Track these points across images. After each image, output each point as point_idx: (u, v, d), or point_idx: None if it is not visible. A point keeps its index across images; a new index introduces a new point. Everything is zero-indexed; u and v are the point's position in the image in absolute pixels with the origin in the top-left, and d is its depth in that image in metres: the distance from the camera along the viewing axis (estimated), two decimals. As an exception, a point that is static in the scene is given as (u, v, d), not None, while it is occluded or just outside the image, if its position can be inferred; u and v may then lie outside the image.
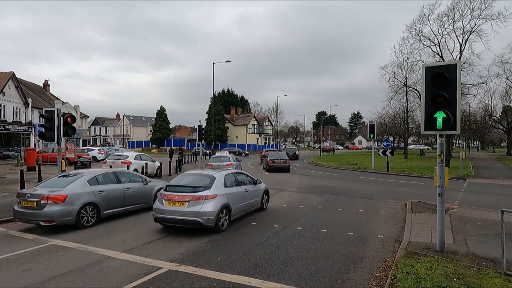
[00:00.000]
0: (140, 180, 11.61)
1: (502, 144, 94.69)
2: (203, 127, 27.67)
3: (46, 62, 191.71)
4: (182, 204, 8.33)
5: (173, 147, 46.10)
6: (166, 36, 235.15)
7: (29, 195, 8.97)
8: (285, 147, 74.70)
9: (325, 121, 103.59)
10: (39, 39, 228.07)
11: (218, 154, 25.86)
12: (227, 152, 29.14)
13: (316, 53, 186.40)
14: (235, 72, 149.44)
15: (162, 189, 9.30)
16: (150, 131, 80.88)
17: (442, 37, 35.55)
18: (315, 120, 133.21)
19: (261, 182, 11.48)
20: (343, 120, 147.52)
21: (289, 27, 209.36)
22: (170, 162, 27.12)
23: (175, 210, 8.35)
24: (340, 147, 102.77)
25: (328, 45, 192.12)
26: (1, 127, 33.25)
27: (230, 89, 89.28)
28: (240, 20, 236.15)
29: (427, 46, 36.93)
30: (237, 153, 45.43)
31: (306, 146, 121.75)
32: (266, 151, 43.69)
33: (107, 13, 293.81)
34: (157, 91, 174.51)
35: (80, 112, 51.47)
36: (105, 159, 27.66)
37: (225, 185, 9.25)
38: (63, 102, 46.75)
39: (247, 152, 57.60)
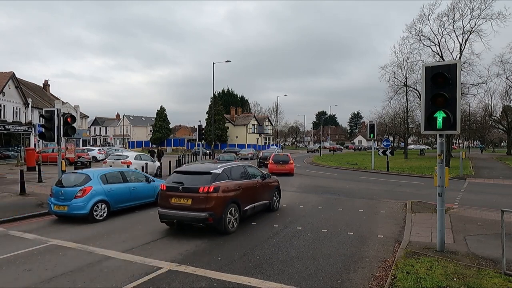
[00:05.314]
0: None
1: (502, 144, 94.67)
2: (203, 127, 27.62)
3: (37, 61, 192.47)
4: None
5: (153, 148, 42.89)
6: (163, 35, 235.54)
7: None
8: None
9: (325, 121, 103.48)
10: (29, 37, 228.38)
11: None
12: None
13: (316, 53, 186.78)
14: (234, 72, 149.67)
15: None
16: (150, 131, 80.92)
17: (442, 37, 35.64)
18: (315, 120, 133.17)
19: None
20: (343, 120, 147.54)
21: (287, 26, 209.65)
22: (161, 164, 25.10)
23: None
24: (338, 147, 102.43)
25: (327, 44, 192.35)
26: (1, 127, 33.25)
27: (230, 89, 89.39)
28: (236, 20, 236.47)
29: (427, 46, 37.00)
30: (238, 153, 45.35)
31: (304, 146, 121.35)
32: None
33: (97, 10, 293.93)
34: (156, 91, 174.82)
35: (80, 112, 51.47)
36: (105, 159, 27.66)
37: None
38: (63, 102, 46.74)
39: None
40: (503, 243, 5.66)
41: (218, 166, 9.23)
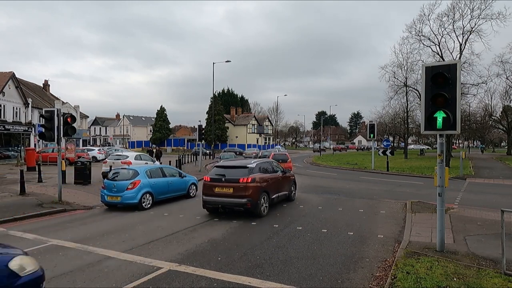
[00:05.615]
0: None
1: (502, 144, 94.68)
2: (203, 127, 27.64)
3: (37, 61, 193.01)
4: None
5: (152, 148, 41.59)
6: (163, 35, 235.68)
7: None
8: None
9: (325, 121, 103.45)
10: (29, 37, 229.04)
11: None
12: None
13: (316, 53, 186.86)
14: (234, 72, 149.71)
15: None
16: (150, 131, 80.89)
17: (442, 37, 35.64)
18: (315, 120, 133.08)
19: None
20: (343, 120, 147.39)
21: (287, 26, 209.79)
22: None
23: None
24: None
25: (327, 44, 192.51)
26: (1, 127, 33.25)
27: (230, 89, 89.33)
28: (236, 20, 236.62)
29: (427, 46, 37.00)
30: (237, 153, 45.41)
31: (304, 146, 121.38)
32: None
33: (97, 10, 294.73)
34: (156, 91, 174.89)
35: (80, 112, 51.47)
36: (105, 159, 27.64)
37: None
38: (63, 102, 46.75)
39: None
40: (503, 243, 5.66)
41: (252, 161, 11.00)
